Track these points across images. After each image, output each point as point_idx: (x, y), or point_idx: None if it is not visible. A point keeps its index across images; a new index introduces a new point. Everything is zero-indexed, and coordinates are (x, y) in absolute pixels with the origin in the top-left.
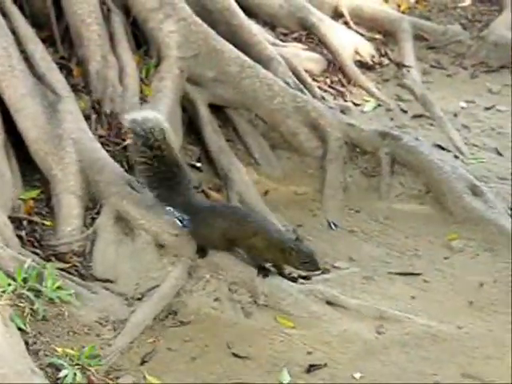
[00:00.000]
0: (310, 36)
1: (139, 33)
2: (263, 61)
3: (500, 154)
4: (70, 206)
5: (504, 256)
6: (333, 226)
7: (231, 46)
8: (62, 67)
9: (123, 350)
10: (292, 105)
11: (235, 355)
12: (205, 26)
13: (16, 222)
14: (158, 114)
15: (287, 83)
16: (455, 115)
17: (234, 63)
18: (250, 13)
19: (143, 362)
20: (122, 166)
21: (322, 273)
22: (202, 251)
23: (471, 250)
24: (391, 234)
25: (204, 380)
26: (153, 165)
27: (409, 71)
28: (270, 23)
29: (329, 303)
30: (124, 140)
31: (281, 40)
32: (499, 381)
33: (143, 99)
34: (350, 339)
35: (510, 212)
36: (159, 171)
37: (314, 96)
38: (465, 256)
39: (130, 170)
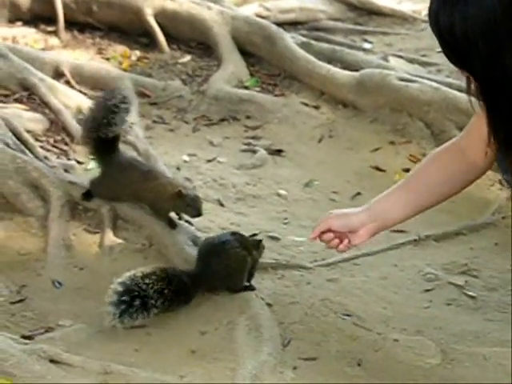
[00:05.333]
0: (32, 97)
1: None
2: None
3: (222, 205)
4: None
5: (225, 304)
6: (57, 285)
7: None
8: None
9: None
10: (12, 166)
11: None
12: None
13: None
14: None
15: (7, 144)
16: (178, 168)
17: None
18: None
19: None
20: None
21: (46, 331)
22: (88, 195)
23: None
24: None
25: None
26: None
27: (131, 127)
28: None
29: (52, 361)
30: None
31: (0, 101)
32: None
33: None
34: None
35: None
36: None
37: (36, 156)
38: (188, 307)
39: None
